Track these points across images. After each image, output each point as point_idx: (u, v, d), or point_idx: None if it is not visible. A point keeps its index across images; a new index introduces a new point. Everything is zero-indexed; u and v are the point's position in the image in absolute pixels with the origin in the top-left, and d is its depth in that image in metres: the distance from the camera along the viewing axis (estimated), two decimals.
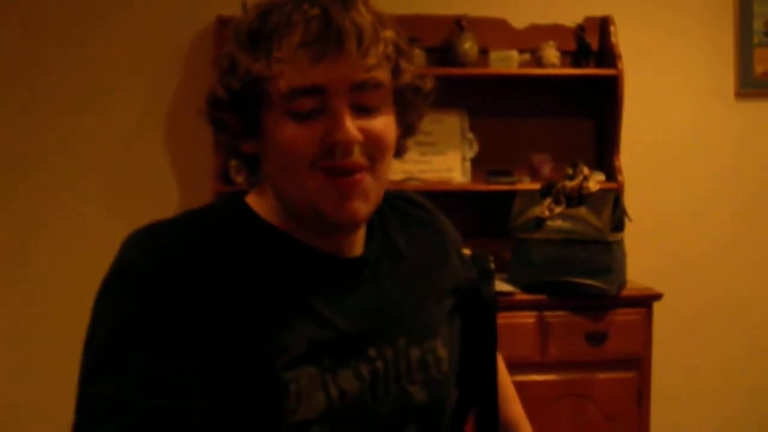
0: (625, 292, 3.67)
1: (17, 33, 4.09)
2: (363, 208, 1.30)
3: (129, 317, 1.20)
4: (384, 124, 1.31)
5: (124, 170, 4.16)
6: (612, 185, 4.01)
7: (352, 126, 1.25)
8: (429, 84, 1.41)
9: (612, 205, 3.57)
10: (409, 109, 1.39)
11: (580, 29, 4.16)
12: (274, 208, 1.36)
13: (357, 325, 1.34)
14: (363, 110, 1.28)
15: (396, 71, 1.33)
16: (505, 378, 1.75)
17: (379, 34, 1.28)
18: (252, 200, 1.39)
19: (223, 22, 4.00)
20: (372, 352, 1.35)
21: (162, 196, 4.14)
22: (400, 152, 1.42)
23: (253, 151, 1.35)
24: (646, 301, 3.69)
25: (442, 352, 1.46)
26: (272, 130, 1.28)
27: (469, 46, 4.01)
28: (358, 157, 1.27)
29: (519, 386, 1.81)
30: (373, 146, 1.29)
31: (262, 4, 1.30)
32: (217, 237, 1.30)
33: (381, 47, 1.27)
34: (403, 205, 1.56)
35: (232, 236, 1.31)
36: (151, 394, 1.15)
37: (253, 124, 1.31)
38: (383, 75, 1.29)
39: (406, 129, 1.41)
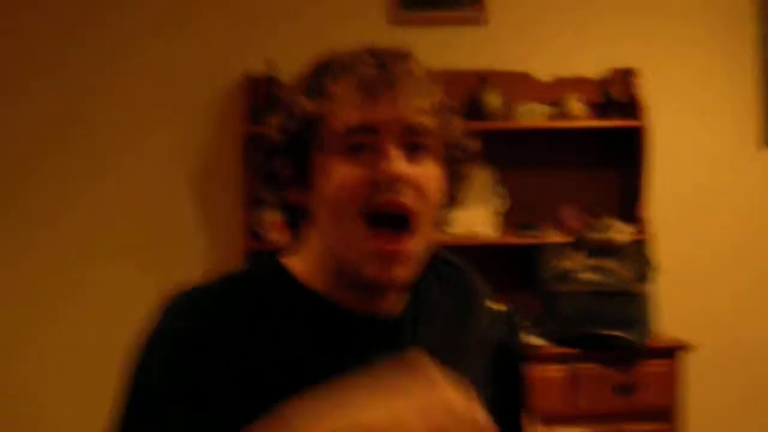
0: (652, 344, 3.66)
1: (45, 86, 4.17)
2: (403, 272, 1.31)
3: (170, 378, 1.22)
4: (430, 171, 1.33)
5: (153, 226, 4.21)
6: (639, 236, 4.00)
7: (400, 162, 1.27)
8: (474, 144, 1.43)
9: (639, 257, 3.58)
10: (455, 170, 1.40)
11: (605, 82, 4.18)
12: (314, 268, 1.36)
13: None
14: (412, 156, 1.30)
15: (445, 124, 1.36)
16: None
17: (431, 86, 1.32)
18: (291, 261, 1.40)
19: (250, 80, 4.06)
20: None
21: (191, 252, 4.18)
22: (438, 223, 1.43)
23: (299, 201, 1.36)
24: (673, 352, 3.68)
25: None
26: (322, 173, 1.30)
27: (494, 100, 4.04)
28: (404, 197, 1.28)
29: None
30: (419, 191, 1.30)
31: (317, 60, 1.35)
32: (255, 303, 1.31)
33: (432, 97, 1.32)
34: (437, 264, 1.55)
35: (269, 301, 1.32)
36: None
37: (303, 171, 1.33)
38: (433, 123, 1.32)
39: (450, 198, 1.42)
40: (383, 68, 1.28)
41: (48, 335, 4.14)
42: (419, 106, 1.29)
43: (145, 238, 4.20)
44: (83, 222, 4.17)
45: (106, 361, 3.69)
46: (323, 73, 1.31)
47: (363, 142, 1.28)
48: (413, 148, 1.30)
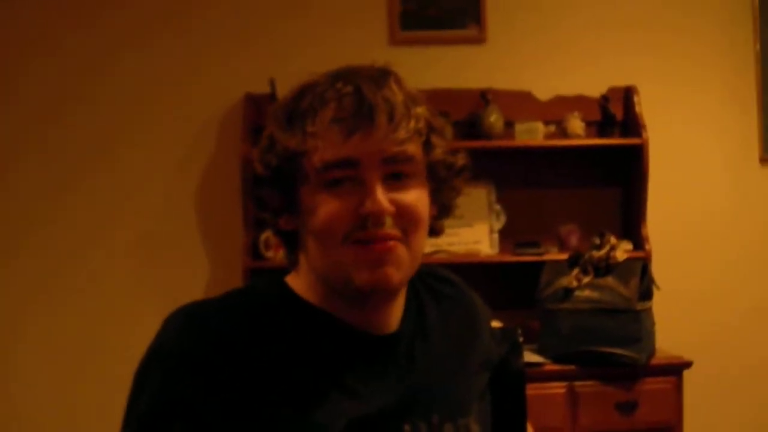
0: (654, 361, 3.65)
1: (50, 94, 4.20)
2: (395, 274, 1.31)
3: (169, 394, 1.24)
4: (416, 197, 1.33)
5: (155, 246, 4.21)
6: (639, 254, 4.00)
7: (383, 197, 1.28)
8: (461, 160, 1.43)
9: (640, 274, 3.58)
10: (443, 186, 1.41)
11: (604, 99, 4.19)
12: (312, 285, 1.38)
13: (392, 401, 1.35)
14: (395, 184, 1.31)
15: (427, 146, 1.36)
16: None
17: (411, 110, 1.31)
18: (290, 279, 1.42)
19: (251, 100, 4.07)
20: (407, 428, 1.35)
21: (192, 270, 4.18)
22: (437, 232, 1.45)
23: (290, 228, 1.38)
24: (675, 369, 3.67)
25: (475, 428, 1.46)
26: (308, 205, 1.31)
27: (494, 118, 4.05)
28: (390, 228, 1.29)
29: None
30: (405, 219, 1.31)
31: (298, 85, 1.35)
32: (255, 317, 1.32)
33: (412, 122, 1.31)
34: (433, 282, 1.57)
35: (270, 316, 1.34)
36: None
37: (292, 201, 1.35)
38: (414, 149, 1.32)
39: (442, 208, 1.43)
40: (360, 99, 1.28)
41: (48, 349, 4.14)
42: (398, 136, 1.29)
43: (145, 255, 4.20)
44: (83, 240, 4.17)
45: (95, 366, 3.74)
46: (301, 106, 1.32)
47: (344, 176, 1.29)
48: (395, 176, 1.31)
